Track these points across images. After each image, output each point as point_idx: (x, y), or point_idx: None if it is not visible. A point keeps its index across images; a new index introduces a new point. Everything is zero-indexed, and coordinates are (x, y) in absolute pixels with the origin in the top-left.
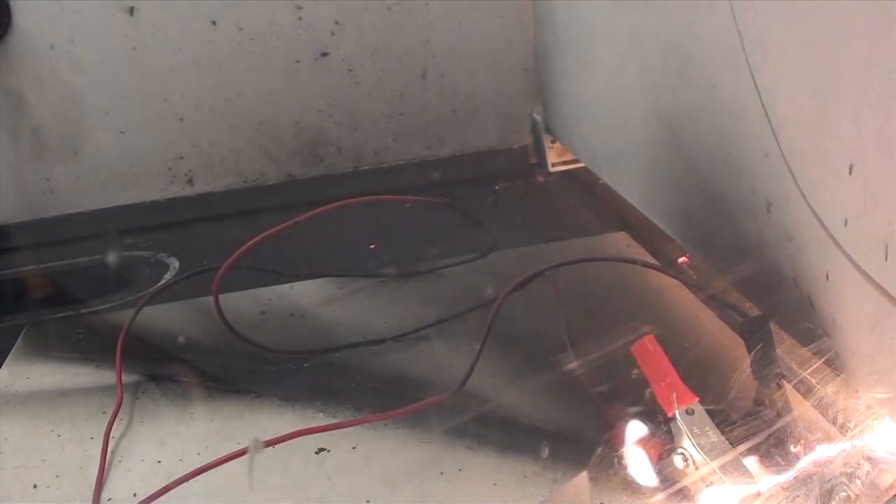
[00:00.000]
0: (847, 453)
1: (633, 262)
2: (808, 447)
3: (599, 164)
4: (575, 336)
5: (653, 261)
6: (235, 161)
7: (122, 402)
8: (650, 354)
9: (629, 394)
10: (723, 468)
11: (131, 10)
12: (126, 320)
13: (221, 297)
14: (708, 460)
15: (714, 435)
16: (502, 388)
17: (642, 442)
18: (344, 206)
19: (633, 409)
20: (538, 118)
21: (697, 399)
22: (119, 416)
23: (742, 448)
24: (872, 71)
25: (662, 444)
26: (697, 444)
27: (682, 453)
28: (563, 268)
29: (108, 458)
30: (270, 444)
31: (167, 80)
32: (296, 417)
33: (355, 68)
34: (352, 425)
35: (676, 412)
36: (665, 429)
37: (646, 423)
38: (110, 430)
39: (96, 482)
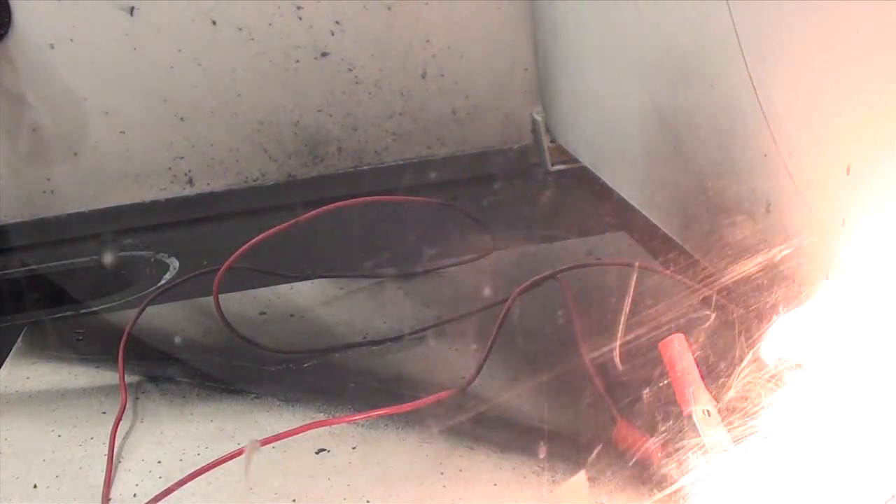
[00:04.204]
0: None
1: (644, 267)
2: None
3: (599, 164)
4: (578, 336)
5: (654, 261)
6: (235, 161)
7: (126, 402)
8: (676, 352)
9: (638, 392)
10: (729, 469)
11: (131, 10)
12: (126, 320)
13: (221, 297)
14: (717, 460)
15: (725, 438)
16: (503, 387)
17: (651, 439)
18: (344, 206)
19: (643, 406)
20: (538, 118)
21: (716, 402)
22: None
23: (745, 449)
24: (870, 71)
25: (671, 441)
26: (709, 445)
27: (692, 451)
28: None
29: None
30: (279, 438)
31: (167, 80)
32: (296, 417)
33: (355, 68)
34: (358, 419)
35: (693, 411)
36: (677, 426)
37: (656, 420)
38: (116, 430)
39: (104, 483)
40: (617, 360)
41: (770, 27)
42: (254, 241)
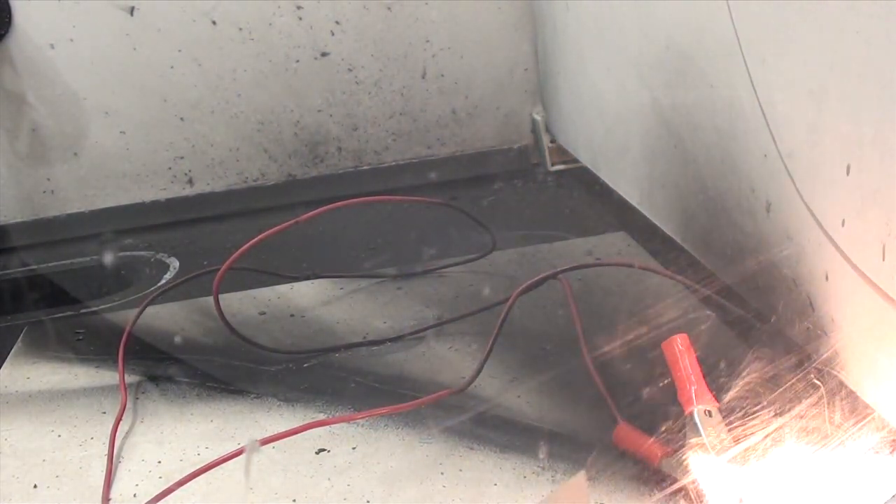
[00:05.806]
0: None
1: (644, 267)
2: (807, 448)
3: (599, 164)
4: (578, 336)
5: (654, 261)
6: (235, 161)
7: (126, 403)
8: (679, 352)
9: (638, 391)
10: (727, 470)
11: (131, 10)
12: (126, 320)
13: (221, 297)
14: (716, 460)
15: (726, 438)
16: (503, 387)
17: (651, 439)
18: (344, 206)
19: (644, 406)
20: (538, 118)
21: (718, 403)
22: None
23: (745, 450)
24: (870, 71)
25: (672, 441)
26: (710, 445)
27: (691, 451)
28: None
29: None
30: (279, 438)
31: (167, 80)
32: (296, 417)
33: (355, 68)
34: (358, 419)
35: (695, 411)
36: (678, 426)
37: (657, 420)
38: (116, 430)
39: (104, 483)
40: (617, 360)
41: (770, 27)
42: (254, 241)
